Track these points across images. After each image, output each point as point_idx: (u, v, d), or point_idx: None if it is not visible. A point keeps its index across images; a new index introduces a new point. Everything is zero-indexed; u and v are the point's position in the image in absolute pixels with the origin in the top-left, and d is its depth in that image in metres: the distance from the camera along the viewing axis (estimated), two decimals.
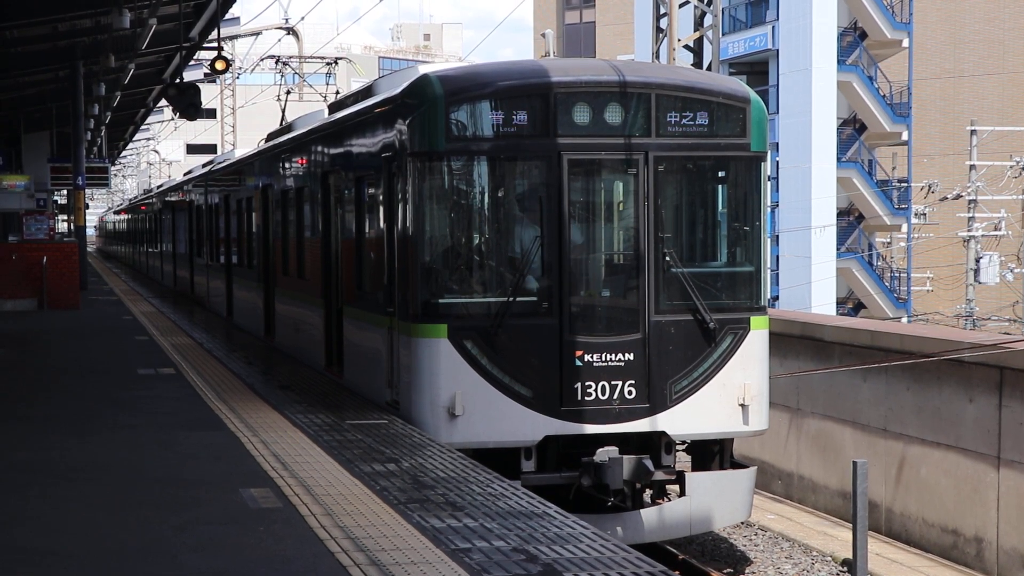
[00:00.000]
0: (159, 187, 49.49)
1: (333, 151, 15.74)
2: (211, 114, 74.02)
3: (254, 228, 21.68)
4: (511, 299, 11.87)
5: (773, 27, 50.05)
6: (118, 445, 11.39)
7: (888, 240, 57.45)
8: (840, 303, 49.85)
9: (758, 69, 51.80)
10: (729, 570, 13.43)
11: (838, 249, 49.47)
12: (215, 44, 24.95)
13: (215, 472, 10.04)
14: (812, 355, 16.10)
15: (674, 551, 13.43)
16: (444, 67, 13.14)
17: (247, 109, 68.50)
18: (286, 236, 18.72)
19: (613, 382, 11.95)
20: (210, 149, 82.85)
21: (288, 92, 32.35)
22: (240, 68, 60.11)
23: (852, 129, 51.60)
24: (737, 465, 12.90)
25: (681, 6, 21.70)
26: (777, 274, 47.98)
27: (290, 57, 36.56)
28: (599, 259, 12.51)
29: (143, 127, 67.50)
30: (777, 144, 48.60)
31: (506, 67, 12.94)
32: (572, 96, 12.02)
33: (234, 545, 7.78)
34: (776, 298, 46.68)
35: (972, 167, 52.69)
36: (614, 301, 12.45)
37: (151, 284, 42.30)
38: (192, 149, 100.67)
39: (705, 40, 21.92)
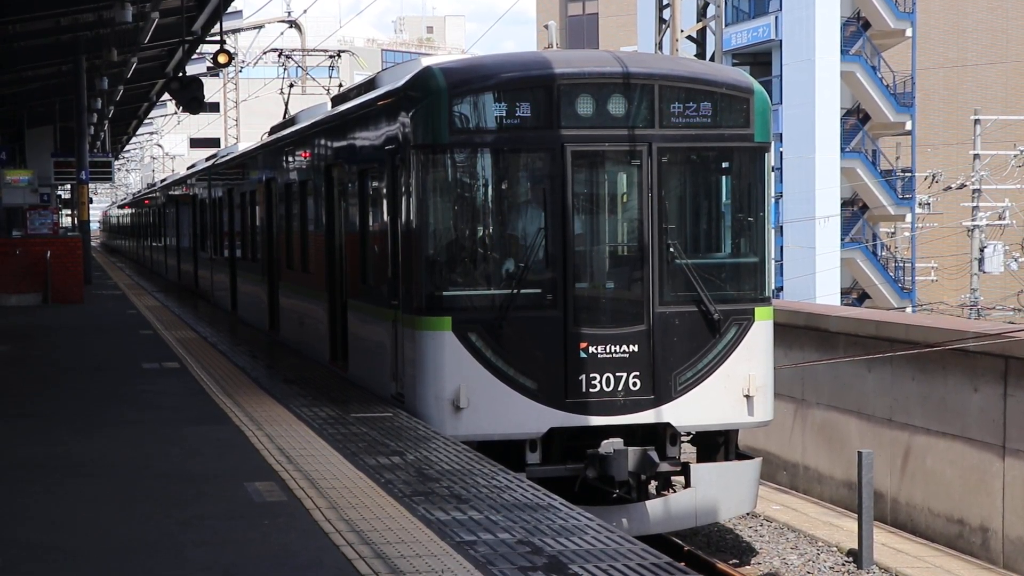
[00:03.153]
0: (162, 181, 49.51)
1: (336, 144, 15.73)
2: (214, 108, 73.92)
3: (258, 222, 21.68)
4: (515, 291, 11.86)
5: (776, 18, 50.03)
6: (122, 440, 11.39)
7: (892, 230, 57.40)
8: (844, 293, 49.84)
9: (761, 60, 51.77)
10: (735, 561, 13.42)
11: (842, 239, 49.48)
12: (218, 38, 24.97)
13: (220, 466, 10.04)
14: (817, 346, 16.09)
15: (679, 542, 13.43)
16: (447, 59, 13.12)
17: (250, 103, 68.51)
18: (290, 230, 18.72)
19: (618, 374, 11.93)
20: (213, 143, 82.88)
21: (291, 85, 32.30)
22: (243, 62, 60.16)
23: (856, 119, 51.57)
24: (742, 456, 12.89)
25: None
26: (781, 265, 47.97)
27: (293, 50, 36.47)
28: (603, 251, 12.50)
29: (146, 121, 67.50)
30: (781, 135, 48.57)
31: (509, 59, 12.92)
32: (575, 88, 12.00)
33: (239, 539, 7.78)
34: (780, 289, 46.67)
35: (976, 156, 52.60)
36: (618, 293, 12.44)
37: (155, 278, 42.32)
38: (195, 143, 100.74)
39: (708, 31, 21.88)
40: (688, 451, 13.04)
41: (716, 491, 12.44)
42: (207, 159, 34.27)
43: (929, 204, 56.01)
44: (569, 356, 11.86)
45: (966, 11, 64.31)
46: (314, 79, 35.80)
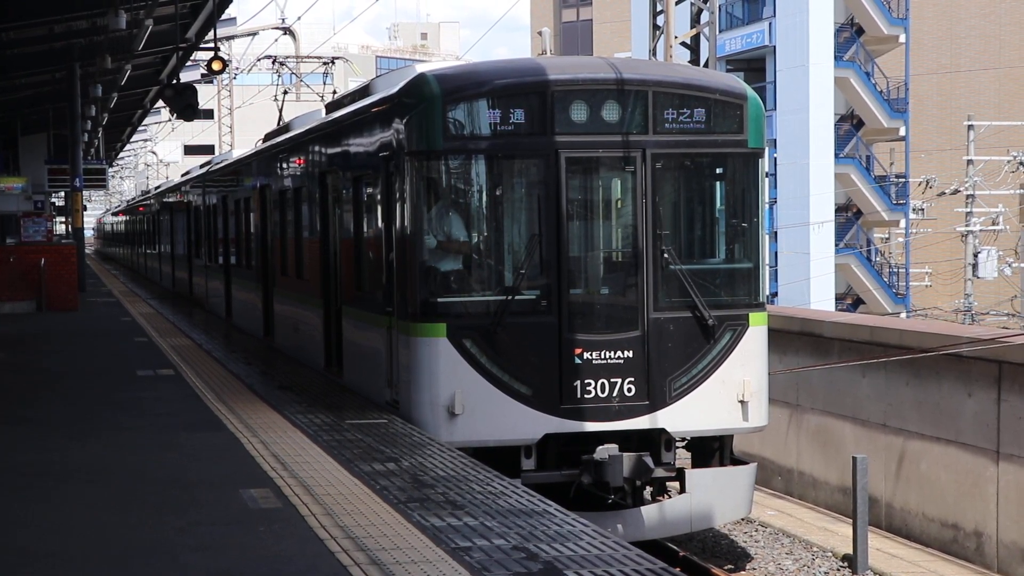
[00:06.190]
0: (157, 188, 49.49)
1: (331, 151, 15.74)
2: (208, 115, 73.99)
3: (252, 229, 21.68)
4: (510, 297, 11.87)
5: (770, 24, 50.10)
6: (118, 447, 11.39)
7: (886, 235, 57.48)
8: (839, 299, 49.88)
9: (755, 66, 51.84)
10: (730, 566, 13.44)
11: (836, 245, 49.52)
12: (212, 45, 24.94)
13: (215, 473, 10.04)
14: (811, 351, 16.11)
15: (675, 548, 13.44)
16: (441, 66, 13.13)
17: (244, 109, 68.51)
18: (284, 236, 18.72)
19: (612, 380, 11.94)
20: (208, 150, 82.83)
21: (285, 92, 32.30)
22: (237, 68, 60.17)
23: (850, 125, 51.65)
24: (737, 461, 12.90)
25: (678, 3, 21.70)
26: (776, 270, 48.02)
27: (287, 57, 36.49)
28: (598, 257, 12.51)
29: (140, 128, 67.45)
30: (775, 140, 48.64)
31: (503, 65, 12.94)
32: (569, 94, 12.01)
33: (235, 546, 7.79)
34: (775, 294, 46.71)
35: (969, 162, 52.71)
36: (613, 299, 12.45)
37: (149, 285, 42.29)
38: (190, 150, 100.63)
39: (702, 37, 21.92)
40: (683, 456, 13.06)
41: (711, 496, 12.44)
42: (201, 166, 34.28)
43: (923, 210, 56.14)
44: (564, 362, 11.87)
45: (959, 17, 64.46)
46: (308, 86, 35.80)
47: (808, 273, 46.72)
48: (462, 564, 7.25)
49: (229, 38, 47.41)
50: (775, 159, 48.77)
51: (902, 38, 52.08)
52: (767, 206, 14.55)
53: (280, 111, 30.67)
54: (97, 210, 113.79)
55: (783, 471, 16.75)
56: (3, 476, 10.16)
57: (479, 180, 12.45)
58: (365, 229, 14.14)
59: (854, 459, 13.31)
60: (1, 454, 11.11)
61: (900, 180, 52.91)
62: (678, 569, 12.62)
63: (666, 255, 12.16)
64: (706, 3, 21.63)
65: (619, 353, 11.98)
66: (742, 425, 12.49)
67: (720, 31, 34.20)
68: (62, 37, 31.13)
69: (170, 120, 60.76)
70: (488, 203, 12.50)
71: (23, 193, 38.10)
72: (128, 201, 74.30)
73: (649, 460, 11.97)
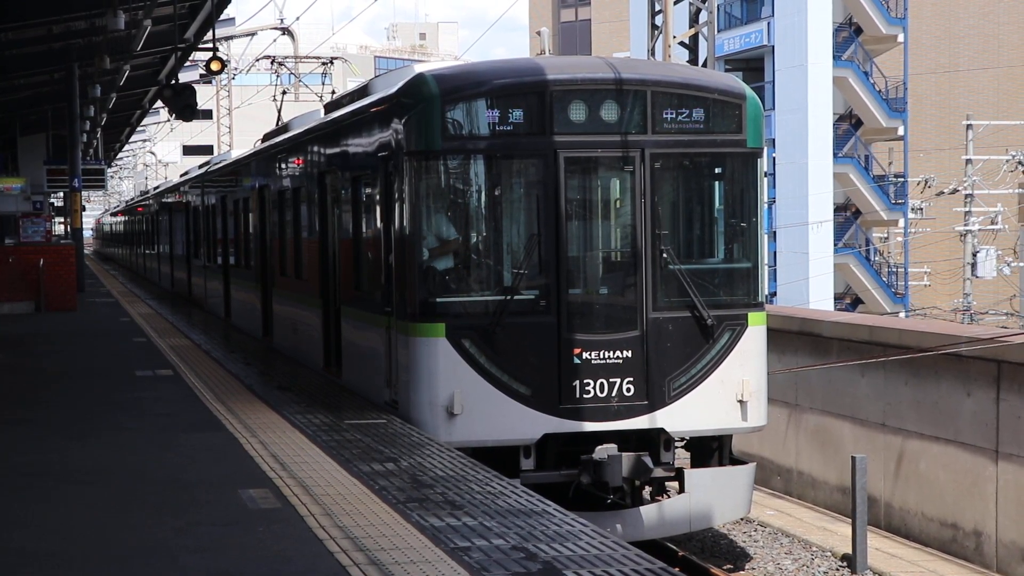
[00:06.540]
0: (156, 188, 49.48)
1: (330, 151, 15.74)
2: (207, 115, 73.98)
3: (251, 229, 21.68)
4: (509, 297, 11.88)
5: (769, 23, 50.10)
6: (117, 447, 11.39)
7: (885, 235, 57.48)
8: (838, 298, 49.88)
9: (754, 65, 51.84)
10: (729, 566, 13.44)
11: (835, 244, 49.52)
12: (210, 45, 24.95)
13: (214, 473, 10.04)
14: (810, 351, 16.11)
15: (674, 548, 13.44)
16: (440, 66, 13.13)
17: (243, 110, 68.52)
18: (283, 237, 18.72)
19: (611, 379, 11.95)
20: (206, 150, 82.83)
21: (284, 92, 32.32)
22: (236, 69, 60.19)
23: (848, 125, 51.65)
24: (736, 461, 12.91)
25: (676, 3, 21.70)
26: (775, 270, 48.02)
27: (285, 57, 36.49)
28: (596, 257, 12.51)
29: (139, 128, 67.38)
30: (774, 140, 48.64)
31: (502, 65, 12.94)
32: (568, 94, 12.02)
33: (234, 546, 7.79)
34: (774, 294, 46.72)
35: (968, 161, 52.71)
36: (612, 299, 12.45)
37: (148, 286, 42.29)
38: (188, 150, 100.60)
39: (701, 37, 21.91)
40: (682, 456, 13.05)
41: (710, 496, 12.44)
42: (200, 166, 34.28)
43: (922, 209, 56.14)
44: (563, 362, 11.87)
45: (958, 16, 64.48)
46: (307, 86, 35.80)
47: (807, 273, 46.73)
48: (461, 564, 7.25)
49: (228, 38, 47.41)
50: (774, 159, 48.78)
51: (900, 37, 52.10)
52: (766, 206, 14.56)
53: (279, 111, 30.69)
54: (96, 210, 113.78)
55: (782, 471, 16.75)
56: (3, 476, 10.16)
57: (478, 180, 12.45)
58: (364, 229, 14.14)
59: (853, 459, 13.32)
60: (1, 454, 11.11)
61: (899, 180, 52.92)
62: (677, 569, 12.63)
63: (665, 255, 12.17)
64: (704, 3, 21.63)
65: (618, 353, 11.98)
66: (741, 425, 12.49)
67: (718, 31, 34.20)
68: (61, 37, 31.12)
69: (169, 120, 60.74)
70: (487, 203, 12.51)
71: (22, 193, 38.08)
72: (127, 201, 74.27)
73: (648, 460, 11.97)
